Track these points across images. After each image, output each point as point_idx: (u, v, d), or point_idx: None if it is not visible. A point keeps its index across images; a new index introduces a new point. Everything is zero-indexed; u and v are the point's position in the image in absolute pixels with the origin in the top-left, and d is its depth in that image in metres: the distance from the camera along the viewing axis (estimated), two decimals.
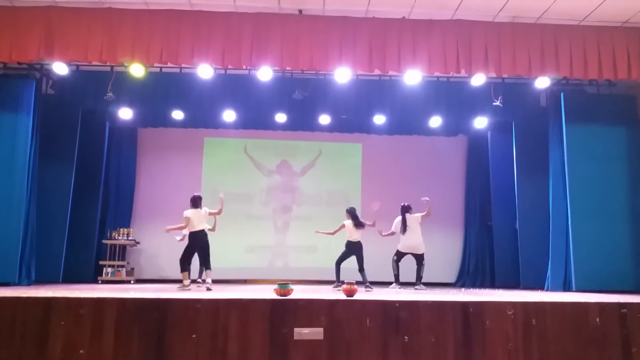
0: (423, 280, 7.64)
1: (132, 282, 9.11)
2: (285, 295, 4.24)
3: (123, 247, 9.47)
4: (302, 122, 9.85)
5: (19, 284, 7.23)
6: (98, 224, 9.40)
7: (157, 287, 7.25)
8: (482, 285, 9.63)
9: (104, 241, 9.34)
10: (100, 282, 8.92)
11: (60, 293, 4.46)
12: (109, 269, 9.16)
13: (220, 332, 3.87)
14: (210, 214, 7.02)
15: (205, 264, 6.91)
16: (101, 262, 9.18)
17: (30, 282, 7.44)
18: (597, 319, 4.10)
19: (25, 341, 3.80)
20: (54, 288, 6.15)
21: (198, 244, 6.77)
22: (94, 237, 9.27)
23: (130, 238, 9.41)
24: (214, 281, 9.05)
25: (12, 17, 6.49)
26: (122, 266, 9.28)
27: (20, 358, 3.77)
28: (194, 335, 3.85)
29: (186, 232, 7.00)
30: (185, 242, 6.98)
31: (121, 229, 9.44)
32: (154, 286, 7.56)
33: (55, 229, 8.35)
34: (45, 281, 7.87)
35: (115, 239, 9.33)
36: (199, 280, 7.75)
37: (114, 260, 9.27)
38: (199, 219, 6.77)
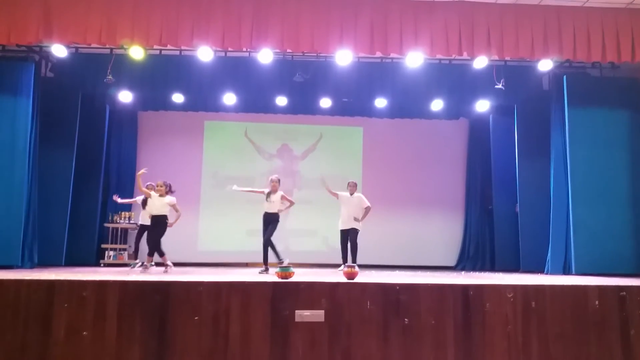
0: (425, 264, 7.66)
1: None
2: (287, 278, 4.27)
3: (125, 231, 9.50)
4: (302, 106, 9.79)
5: (22, 267, 7.28)
6: (99, 207, 9.42)
7: (158, 269, 7.27)
8: (482, 268, 9.68)
9: (106, 224, 9.38)
10: (102, 265, 8.97)
11: (63, 276, 4.49)
12: (111, 252, 9.22)
13: (222, 314, 3.91)
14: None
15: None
16: (103, 246, 9.24)
17: (33, 265, 7.49)
18: (596, 302, 4.13)
19: (29, 323, 3.84)
20: (57, 271, 6.18)
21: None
22: (96, 221, 9.29)
23: (131, 221, 9.43)
24: (216, 264, 9.15)
25: None
26: (124, 249, 9.33)
27: (25, 340, 3.82)
28: (196, 318, 3.89)
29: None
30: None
31: (123, 213, 9.46)
32: (155, 269, 7.59)
33: (57, 213, 8.36)
34: (48, 264, 7.91)
35: (116, 223, 9.36)
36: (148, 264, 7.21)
37: (116, 243, 9.32)
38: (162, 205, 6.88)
